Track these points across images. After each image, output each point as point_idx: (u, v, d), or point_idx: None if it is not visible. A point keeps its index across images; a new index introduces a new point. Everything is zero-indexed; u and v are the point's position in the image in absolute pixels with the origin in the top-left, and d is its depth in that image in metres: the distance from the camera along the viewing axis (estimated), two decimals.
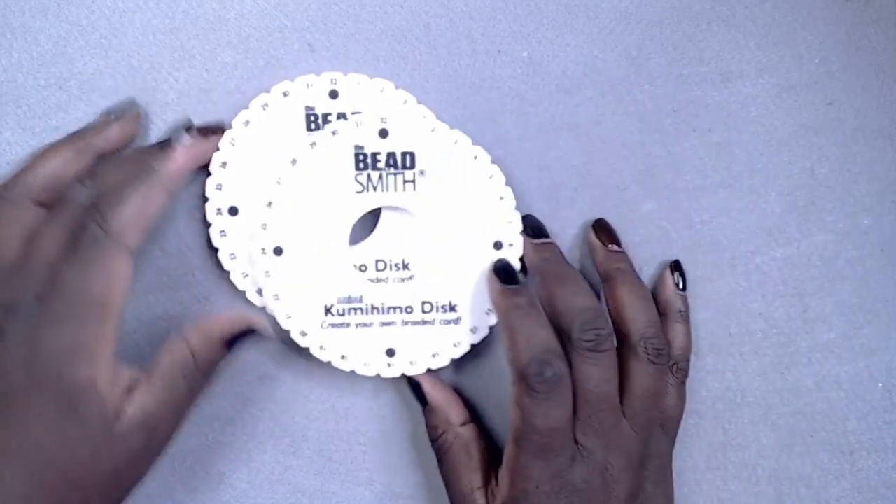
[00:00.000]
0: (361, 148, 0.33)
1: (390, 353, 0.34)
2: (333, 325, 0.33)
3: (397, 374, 0.34)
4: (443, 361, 0.34)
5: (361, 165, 0.33)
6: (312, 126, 0.33)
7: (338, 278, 0.33)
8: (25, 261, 0.29)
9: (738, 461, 0.37)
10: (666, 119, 0.36)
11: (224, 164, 0.33)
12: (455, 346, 0.34)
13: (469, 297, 0.34)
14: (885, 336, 0.37)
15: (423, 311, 0.34)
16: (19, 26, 0.34)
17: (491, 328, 0.34)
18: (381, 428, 0.36)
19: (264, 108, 0.33)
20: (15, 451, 0.27)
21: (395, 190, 0.33)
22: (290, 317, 0.33)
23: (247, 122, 0.33)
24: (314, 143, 0.33)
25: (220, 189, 0.33)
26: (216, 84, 0.34)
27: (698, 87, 0.37)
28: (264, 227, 0.33)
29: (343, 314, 0.33)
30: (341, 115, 0.33)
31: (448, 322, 0.34)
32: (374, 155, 0.33)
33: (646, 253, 0.36)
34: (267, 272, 0.33)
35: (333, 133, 0.33)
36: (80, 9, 0.34)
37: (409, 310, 0.34)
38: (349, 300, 0.33)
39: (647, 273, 0.36)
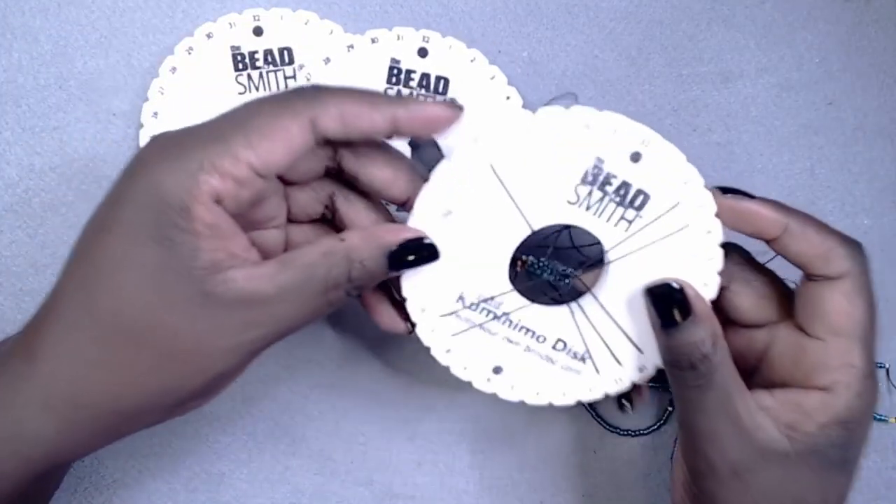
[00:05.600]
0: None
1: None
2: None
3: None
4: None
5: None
6: (240, 66, 0.33)
7: None
8: None
9: None
10: (666, 119, 0.36)
11: (155, 115, 0.33)
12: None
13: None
14: (885, 336, 0.37)
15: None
16: (19, 26, 0.34)
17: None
18: (381, 428, 0.36)
19: (189, 53, 0.33)
20: (75, 269, 0.25)
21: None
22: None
23: (174, 69, 0.33)
24: (190, 49, 0.32)
25: None
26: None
27: (698, 87, 0.37)
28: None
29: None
30: (268, 52, 0.33)
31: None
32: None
33: None
34: None
35: (209, 36, 0.32)
36: (80, 9, 0.34)
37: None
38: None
39: None
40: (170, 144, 0.25)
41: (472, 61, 0.32)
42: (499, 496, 0.36)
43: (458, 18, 0.35)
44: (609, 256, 0.29)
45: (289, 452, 0.36)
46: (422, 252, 0.27)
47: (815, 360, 0.27)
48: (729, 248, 0.29)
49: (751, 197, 0.28)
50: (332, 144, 0.27)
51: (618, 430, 0.36)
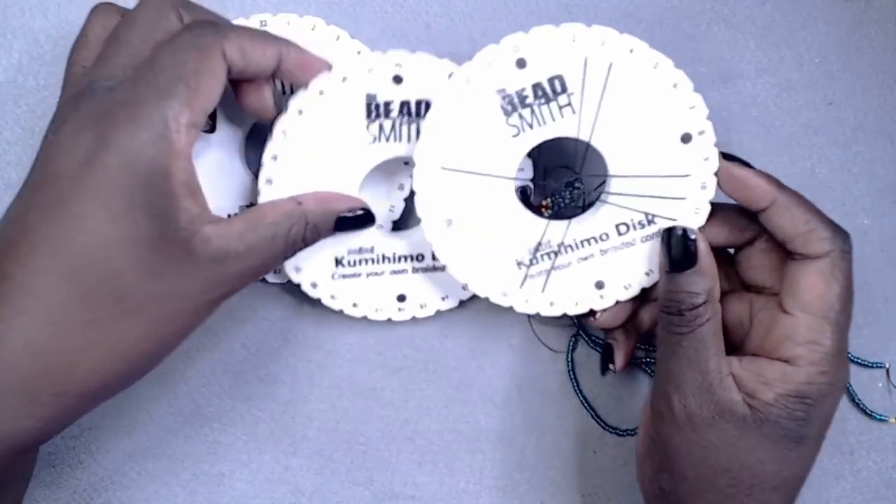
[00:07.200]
0: (374, 97, 0.31)
1: (401, 298, 0.34)
2: (344, 276, 0.33)
3: (408, 318, 0.34)
4: (453, 303, 0.35)
5: (374, 115, 0.31)
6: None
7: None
8: (120, 43, 0.26)
9: None
10: None
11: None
12: (464, 288, 0.34)
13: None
14: (885, 336, 0.37)
15: (434, 259, 0.33)
16: (19, 26, 0.34)
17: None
18: (381, 428, 0.36)
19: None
20: (57, 248, 0.24)
21: (409, 142, 0.31)
22: (299, 269, 0.33)
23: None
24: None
25: None
26: None
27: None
28: (269, 182, 0.31)
29: (354, 265, 0.33)
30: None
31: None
32: (388, 104, 0.31)
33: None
34: None
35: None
36: (80, 9, 0.34)
37: (419, 258, 0.34)
38: (360, 251, 0.33)
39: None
40: (120, 108, 0.25)
41: (449, 76, 0.31)
42: (499, 496, 0.36)
43: (459, 18, 0.35)
44: (583, 138, 0.31)
45: (289, 452, 0.36)
46: (363, 219, 0.31)
47: (784, 333, 0.29)
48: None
49: (749, 166, 0.30)
50: None
51: (617, 431, 0.36)
